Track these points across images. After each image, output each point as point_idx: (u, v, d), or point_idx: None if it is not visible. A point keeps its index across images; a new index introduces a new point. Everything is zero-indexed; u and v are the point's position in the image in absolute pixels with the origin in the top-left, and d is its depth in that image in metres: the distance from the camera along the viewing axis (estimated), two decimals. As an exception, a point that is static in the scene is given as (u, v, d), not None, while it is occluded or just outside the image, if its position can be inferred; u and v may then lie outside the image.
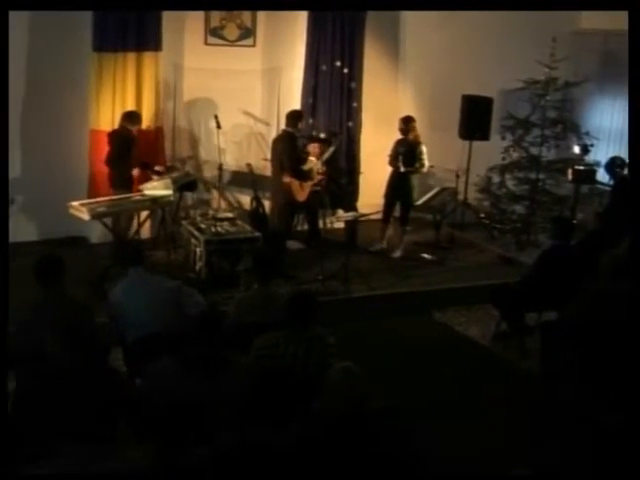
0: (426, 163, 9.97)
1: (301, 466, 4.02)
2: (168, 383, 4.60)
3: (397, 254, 10.09)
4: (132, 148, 9.15)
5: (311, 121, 10.28)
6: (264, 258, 6.50)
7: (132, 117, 9.23)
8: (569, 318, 7.07)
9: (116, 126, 9.40)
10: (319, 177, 9.55)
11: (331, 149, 9.83)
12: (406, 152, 9.75)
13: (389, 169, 10.08)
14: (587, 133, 10.64)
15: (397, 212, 10.22)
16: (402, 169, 9.77)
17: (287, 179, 9.38)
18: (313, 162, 9.57)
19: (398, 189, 9.95)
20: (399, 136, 9.99)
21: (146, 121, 9.65)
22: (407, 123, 9.91)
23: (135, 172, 9.13)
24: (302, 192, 9.45)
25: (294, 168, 9.37)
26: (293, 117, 9.49)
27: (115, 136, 9.16)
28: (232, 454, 3.89)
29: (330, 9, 10.31)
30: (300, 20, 10.53)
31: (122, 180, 9.07)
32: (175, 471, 3.89)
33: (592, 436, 5.49)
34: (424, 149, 9.92)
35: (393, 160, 9.93)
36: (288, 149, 9.40)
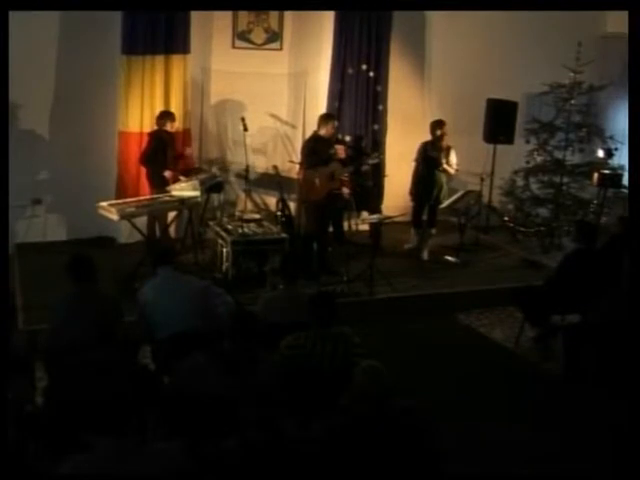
0: (455, 167, 10.08)
1: (326, 460, 4.10)
2: (199, 379, 4.68)
3: (425, 256, 10.15)
4: (167, 148, 9.25)
5: (336, 124, 10.34)
6: (290, 259, 6.60)
7: (165, 116, 9.33)
8: (592, 321, 7.12)
9: (145, 128, 9.57)
10: (342, 181, 9.43)
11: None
12: (444, 154, 9.90)
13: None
14: (611, 137, 10.67)
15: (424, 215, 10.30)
16: (445, 164, 9.90)
17: (300, 175, 9.57)
18: (337, 167, 9.42)
19: (431, 189, 10.02)
20: (424, 139, 10.05)
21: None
22: (442, 127, 9.97)
23: (167, 174, 9.21)
24: (316, 191, 9.36)
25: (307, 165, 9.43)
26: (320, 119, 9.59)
27: (151, 136, 9.31)
28: (259, 447, 3.98)
29: (353, 9, 10.35)
30: (326, 24, 10.58)
31: (158, 179, 9.20)
32: (204, 463, 3.98)
33: (611, 438, 5.52)
34: (454, 153, 10.04)
35: (422, 161, 9.99)
36: (304, 146, 9.67)
